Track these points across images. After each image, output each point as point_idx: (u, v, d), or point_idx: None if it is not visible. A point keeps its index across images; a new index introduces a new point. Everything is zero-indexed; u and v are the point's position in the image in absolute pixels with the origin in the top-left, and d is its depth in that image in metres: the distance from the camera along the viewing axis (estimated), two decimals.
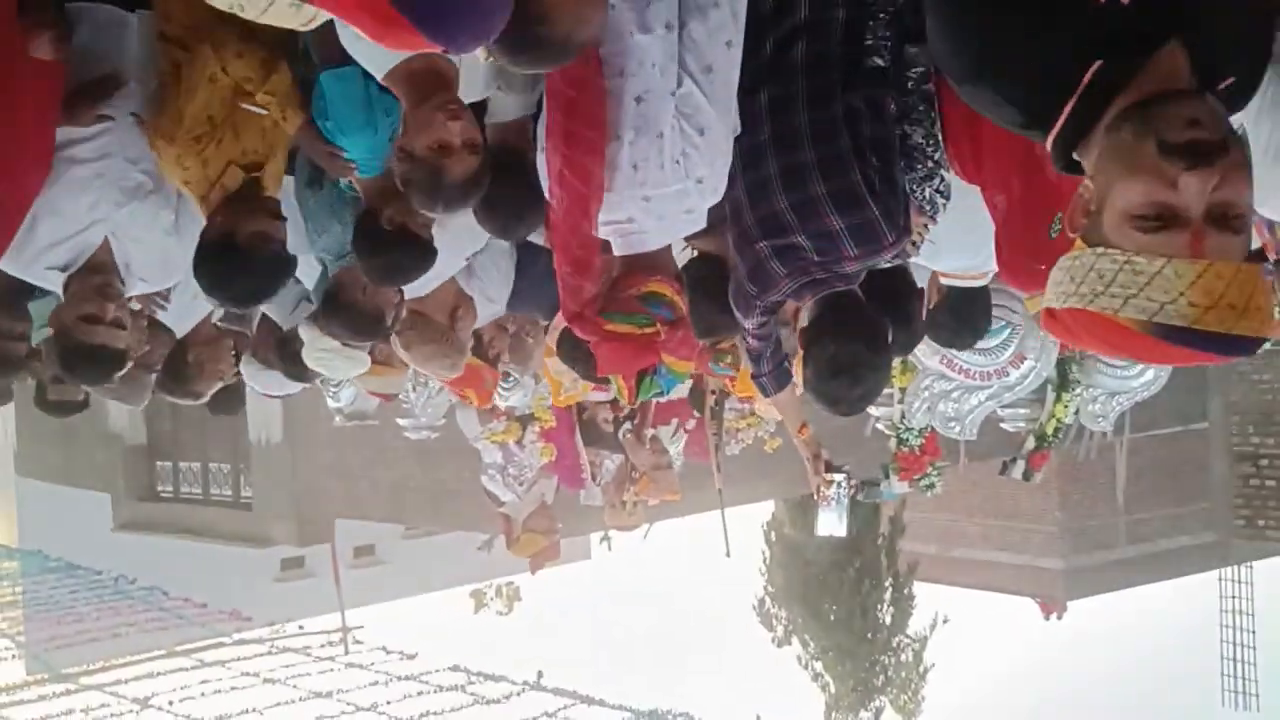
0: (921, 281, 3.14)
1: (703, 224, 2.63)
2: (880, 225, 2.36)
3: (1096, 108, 1.37)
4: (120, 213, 2.78)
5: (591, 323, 2.80)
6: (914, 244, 2.62)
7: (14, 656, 10.39)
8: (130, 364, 2.94)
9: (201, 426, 15.60)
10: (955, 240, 2.77)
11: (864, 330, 2.50)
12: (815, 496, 4.39)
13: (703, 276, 2.83)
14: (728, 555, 7.25)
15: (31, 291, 3.34)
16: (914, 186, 2.53)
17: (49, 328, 3.03)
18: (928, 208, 2.56)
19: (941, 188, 2.56)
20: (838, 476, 4.39)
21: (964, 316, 3.21)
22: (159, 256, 2.92)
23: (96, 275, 2.77)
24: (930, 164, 2.52)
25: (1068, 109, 1.39)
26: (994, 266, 2.88)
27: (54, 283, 2.81)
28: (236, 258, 2.69)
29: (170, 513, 17.12)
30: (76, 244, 2.74)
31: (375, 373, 4.29)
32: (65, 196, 2.70)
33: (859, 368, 2.48)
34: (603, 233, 2.61)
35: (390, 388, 5.67)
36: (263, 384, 4.44)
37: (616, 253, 2.72)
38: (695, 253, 3.00)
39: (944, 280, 3.07)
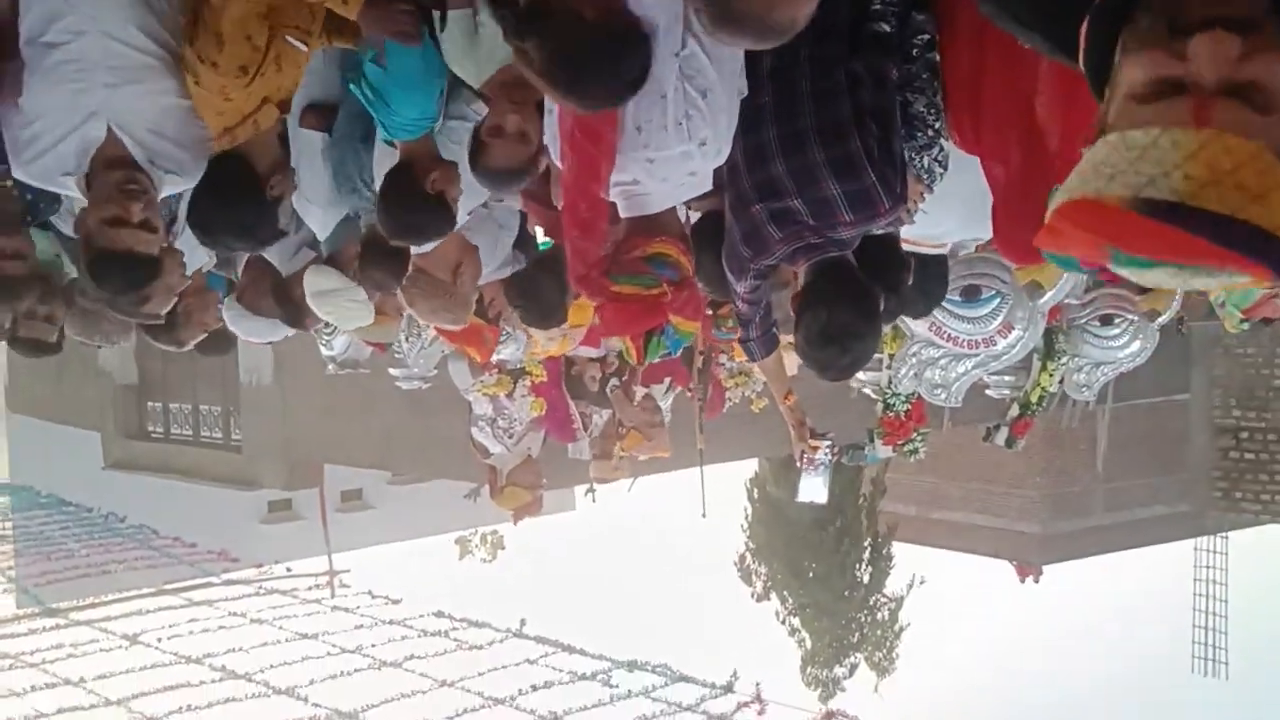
0: None
1: (707, 186, 2.62)
2: (877, 192, 2.37)
3: (1113, 23, 1.21)
4: (116, 96, 2.44)
5: (598, 284, 2.83)
6: (908, 212, 2.64)
7: (4, 591, 10.49)
8: (163, 275, 2.69)
9: (192, 368, 15.62)
10: (950, 210, 2.80)
11: (856, 298, 2.53)
12: (798, 463, 4.45)
13: (711, 234, 2.86)
14: (704, 516, 7.36)
15: (32, 216, 3.35)
16: (913, 155, 2.55)
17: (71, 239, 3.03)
18: (925, 176, 2.59)
19: (940, 157, 2.58)
20: (822, 443, 4.44)
21: (919, 284, 3.23)
22: (178, 137, 2.58)
23: (114, 171, 2.47)
24: (930, 133, 2.54)
25: (1084, 25, 1.25)
26: (985, 236, 2.94)
27: (74, 189, 2.54)
28: (257, 197, 2.67)
29: (160, 452, 17.18)
30: (78, 141, 2.45)
31: (373, 322, 4.34)
32: (45, 89, 2.42)
33: (850, 336, 2.51)
34: (608, 195, 2.63)
35: (385, 336, 5.70)
36: (245, 330, 4.40)
37: (622, 214, 2.73)
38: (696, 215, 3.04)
39: (904, 247, 3.11)
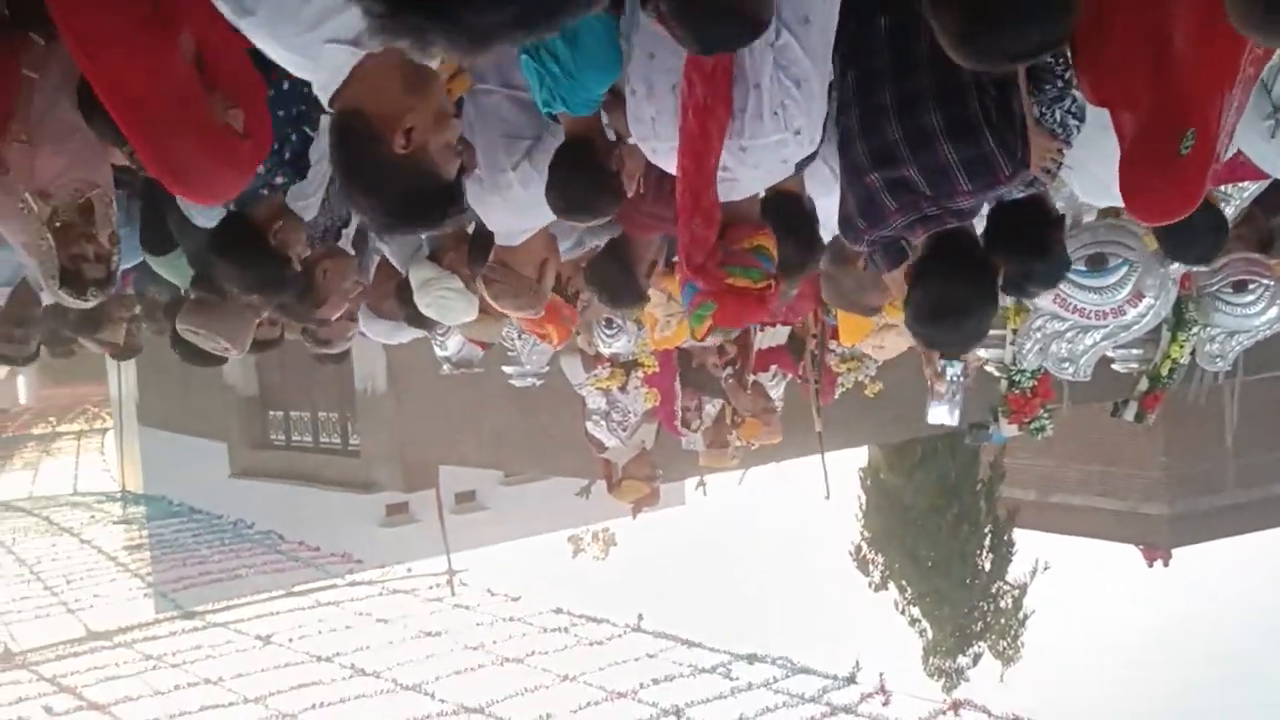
0: None
1: (791, 170, 2.58)
2: (996, 158, 2.27)
3: None
4: None
5: (715, 275, 2.81)
6: (1047, 171, 2.51)
7: (144, 595, 10.92)
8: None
9: (310, 377, 16.08)
10: (1095, 168, 2.67)
11: (971, 274, 2.47)
12: (929, 386, 4.31)
13: (787, 216, 2.81)
14: (827, 497, 7.27)
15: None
16: (1043, 109, 2.45)
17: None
18: (1060, 131, 2.47)
19: (1074, 109, 2.46)
20: (952, 367, 4.27)
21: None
22: None
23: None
24: (1060, 84, 2.42)
25: None
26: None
27: (337, 65, 2.08)
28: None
29: (282, 460, 17.74)
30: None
31: (476, 320, 4.38)
32: None
33: (961, 313, 2.46)
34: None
35: (489, 335, 5.77)
36: (375, 332, 4.55)
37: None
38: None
39: None
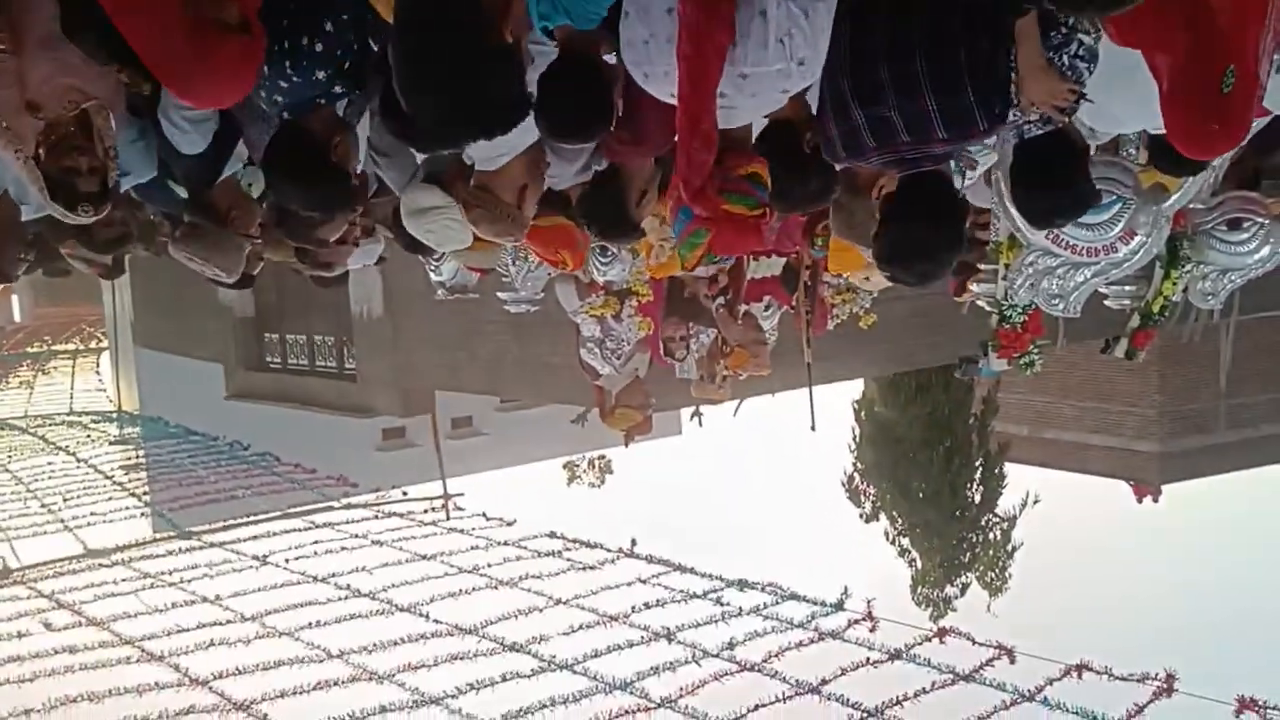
0: None
1: (783, 103, 2.59)
2: (975, 112, 2.31)
3: None
4: None
5: (712, 201, 2.81)
6: (1060, 110, 2.53)
7: (141, 515, 11.01)
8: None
9: (306, 300, 16.07)
10: (1114, 107, 2.70)
11: (939, 217, 2.55)
12: None
13: (785, 150, 2.80)
14: (813, 429, 7.33)
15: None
16: (1049, 54, 2.45)
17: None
18: (1069, 74, 2.47)
19: (1081, 52, 2.45)
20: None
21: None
22: None
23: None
24: (1064, 30, 2.42)
25: None
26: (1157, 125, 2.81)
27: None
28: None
29: (278, 383, 17.80)
30: None
31: (474, 246, 4.36)
32: None
33: (925, 255, 2.57)
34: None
35: (487, 261, 5.78)
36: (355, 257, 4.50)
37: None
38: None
39: None
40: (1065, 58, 2.46)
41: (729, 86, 2.48)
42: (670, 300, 5.98)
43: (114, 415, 17.36)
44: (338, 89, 2.73)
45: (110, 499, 11.28)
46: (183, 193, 3.53)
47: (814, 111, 2.74)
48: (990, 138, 2.45)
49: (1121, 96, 2.66)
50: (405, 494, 11.63)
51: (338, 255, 4.00)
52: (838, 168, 2.84)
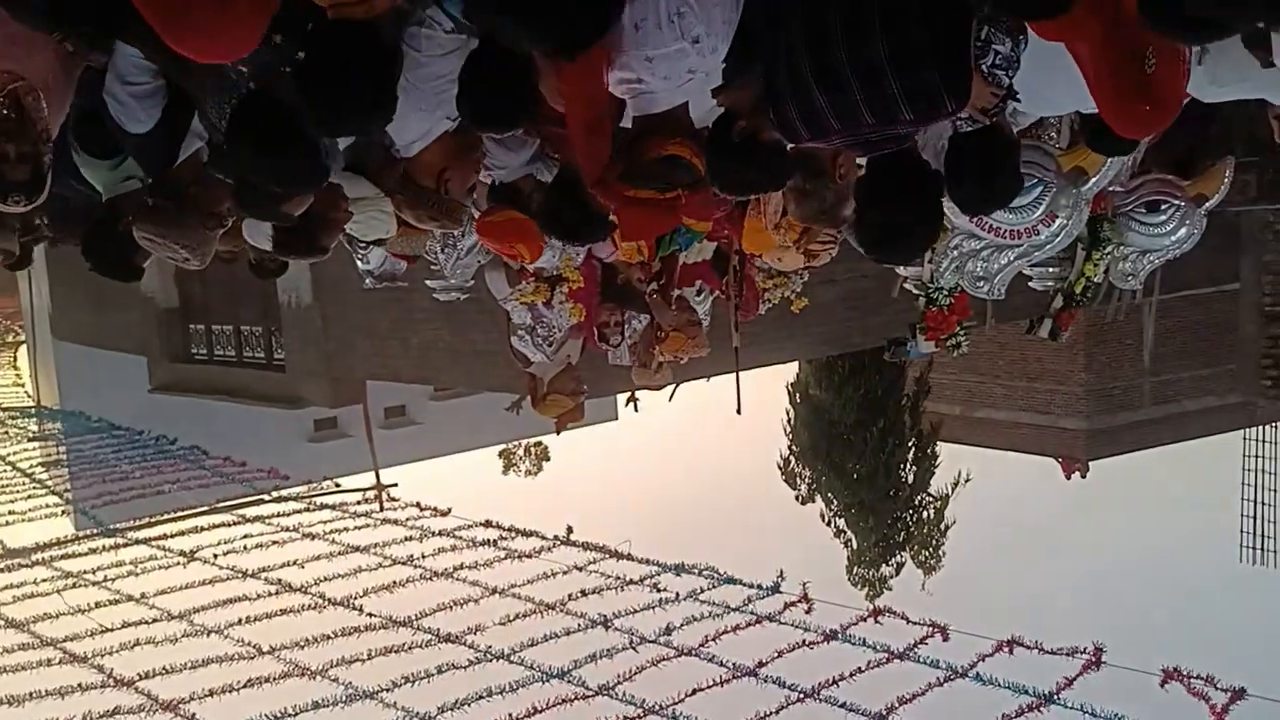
0: None
1: (715, 82, 2.60)
2: (940, 92, 2.30)
3: None
4: None
5: (614, 189, 2.81)
6: (984, 111, 2.56)
7: (63, 513, 10.74)
8: None
9: (232, 290, 15.77)
10: (1045, 91, 2.72)
11: (917, 197, 2.62)
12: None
13: (713, 139, 2.79)
14: (739, 412, 7.36)
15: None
16: (977, 60, 2.45)
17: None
18: (990, 79, 2.50)
19: (999, 61, 2.48)
20: None
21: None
22: None
23: None
24: (978, 43, 2.43)
25: None
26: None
27: None
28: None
29: (205, 374, 17.46)
30: None
31: (399, 233, 4.26)
32: None
33: (907, 235, 2.68)
34: (617, 93, 2.62)
35: (412, 248, 5.69)
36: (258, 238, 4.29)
37: (632, 113, 2.71)
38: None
39: None
40: (984, 67, 2.48)
41: (642, 70, 2.51)
42: (604, 287, 5.95)
43: (33, 410, 16.89)
44: (301, 55, 2.57)
45: (30, 497, 10.99)
46: (97, 177, 3.38)
47: (758, 102, 2.73)
48: (956, 115, 2.44)
49: (1053, 79, 2.68)
50: (338, 485, 11.49)
51: (330, 234, 3.76)
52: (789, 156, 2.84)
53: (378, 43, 2.39)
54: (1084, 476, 22.94)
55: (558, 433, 6.74)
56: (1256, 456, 18.76)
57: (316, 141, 2.70)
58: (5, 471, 12.06)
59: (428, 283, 6.75)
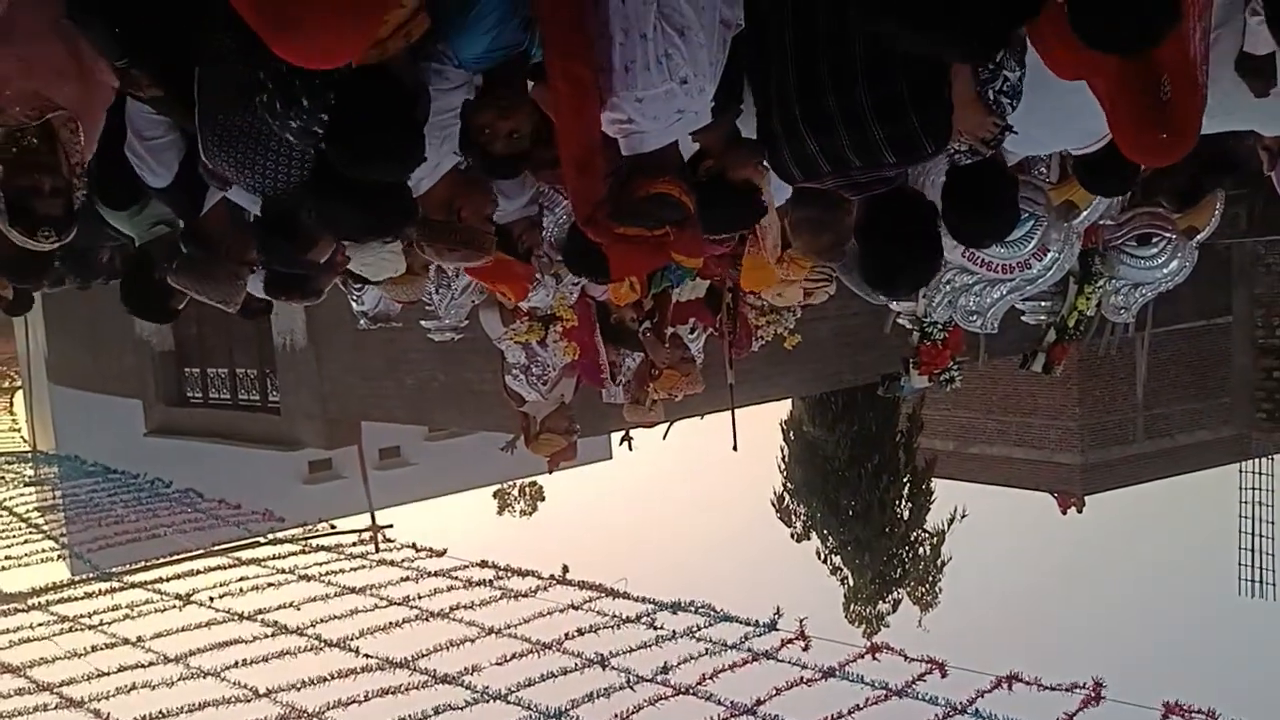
0: None
1: (703, 121, 2.67)
2: (920, 137, 2.36)
3: None
4: None
5: (603, 226, 2.85)
6: (985, 142, 2.61)
7: (59, 557, 10.69)
8: None
9: (227, 332, 15.78)
10: (1035, 130, 2.75)
11: (914, 236, 2.68)
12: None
13: (708, 179, 2.86)
14: (735, 449, 7.37)
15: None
16: (978, 88, 2.51)
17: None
18: (994, 108, 2.55)
19: (1005, 88, 2.52)
20: None
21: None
22: None
23: None
24: (991, 66, 2.48)
25: None
26: (1076, 145, 3.00)
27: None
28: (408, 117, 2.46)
29: (200, 417, 17.42)
30: None
31: (399, 279, 4.31)
32: None
33: (907, 273, 2.78)
34: (609, 132, 2.68)
35: (412, 294, 5.73)
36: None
37: (624, 153, 2.76)
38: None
39: None
40: (991, 93, 2.53)
41: (632, 111, 2.57)
42: (601, 326, 5.98)
43: (29, 455, 16.83)
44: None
45: (26, 541, 10.92)
46: (129, 227, 3.40)
47: (729, 142, 2.79)
48: (936, 158, 2.52)
49: (1042, 120, 2.74)
50: (333, 527, 11.44)
51: (327, 280, 3.74)
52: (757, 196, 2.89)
53: (398, 86, 2.45)
54: (1080, 511, 22.92)
55: (550, 471, 6.74)
56: (1253, 489, 18.75)
57: (405, 185, 2.74)
58: (1, 517, 12.00)
59: (422, 323, 6.78)
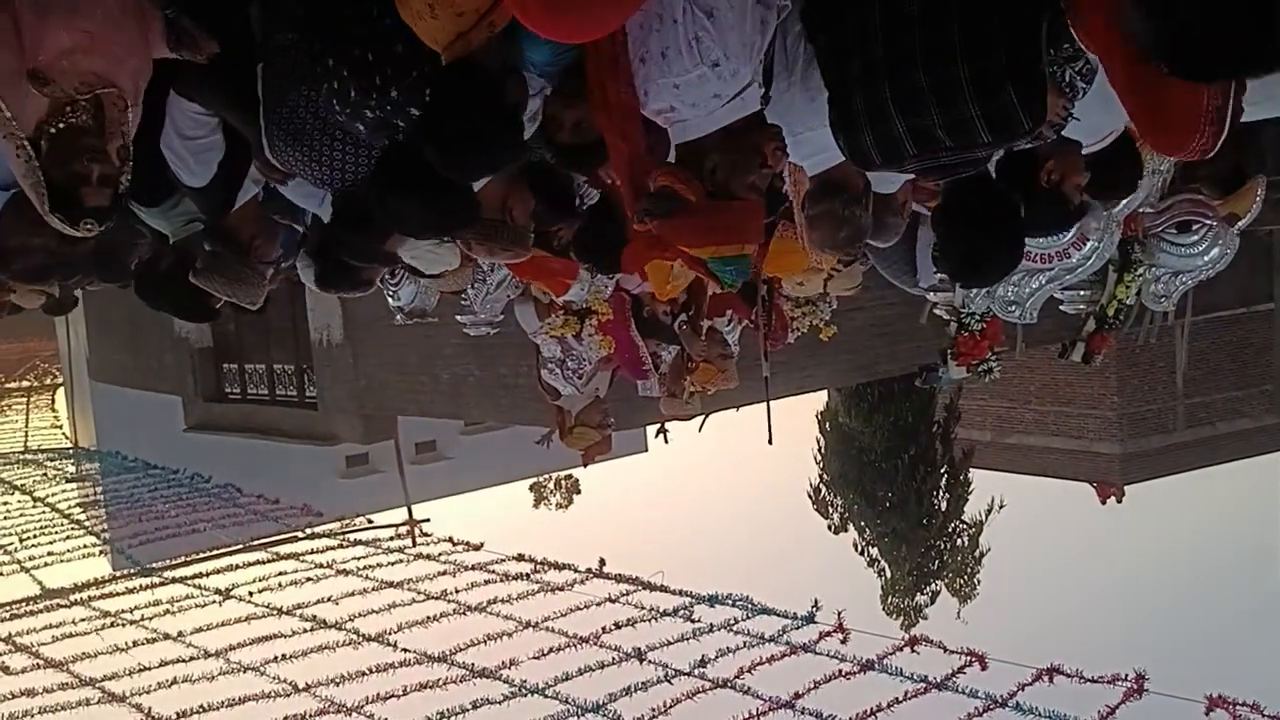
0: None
1: (749, 109, 2.59)
2: (1019, 113, 2.23)
3: None
4: None
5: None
6: (1053, 126, 2.49)
7: (100, 553, 10.83)
8: None
9: (265, 329, 15.92)
10: (1090, 117, 2.67)
11: (998, 222, 2.66)
12: None
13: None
14: (770, 442, 7.33)
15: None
16: (1054, 68, 2.41)
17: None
18: (1067, 90, 2.46)
19: (1084, 70, 2.44)
20: None
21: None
22: None
23: None
24: (1075, 45, 2.39)
25: None
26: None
27: None
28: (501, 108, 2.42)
29: (238, 413, 17.61)
30: None
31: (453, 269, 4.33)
32: None
33: (993, 261, 2.73)
34: (658, 122, 2.64)
35: (457, 284, 5.78)
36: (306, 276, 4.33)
37: (673, 142, 2.72)
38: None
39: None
40: (1068, 73, 2.45)
41: (671, 98, 2.54)
42: (637, 320, 5.97)
43: (71, 452, 17.09)
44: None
45: (68, 538, 11.08)
46: (161, 224, 3.42)
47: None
48: (1031, 138, 2.36)
49: (1094, 112, 2.68)
50: (370, 521, 11.51)
51: (376, 271, 3.70)
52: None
53: (488, 78, 2.41)
54: (1119, 501, 22.71)
55: (585, 465, 6.74)
56: None
57: (470, 184, 2.73)
58: (45, 513, 12.18)
59: (458, 318, 6.80)
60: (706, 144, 2.67)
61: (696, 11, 2.36)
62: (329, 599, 9.01)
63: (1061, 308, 5.58)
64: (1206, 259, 5.04)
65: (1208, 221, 4.94)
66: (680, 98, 2.52)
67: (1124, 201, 4.48)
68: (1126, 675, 6.54)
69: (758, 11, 2.41)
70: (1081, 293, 5.43)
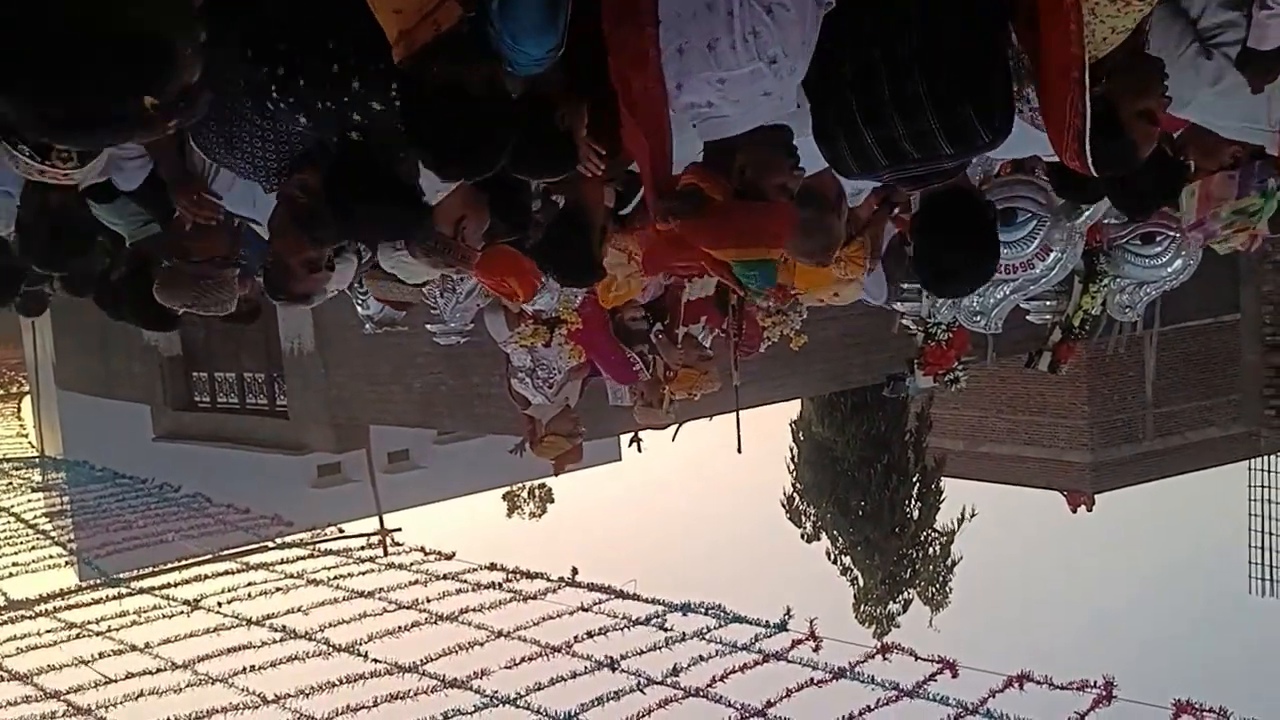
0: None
1: (790, 108, 2.50)
2: (976, 126, 2.26)
3: None
4: None
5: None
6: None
7: (66, 563, 10.69)
8: None
9: (235, 337, 15.82)
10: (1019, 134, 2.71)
11: (970, 233, 2.65)
12: None
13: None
14: (739, 451, 7.36)
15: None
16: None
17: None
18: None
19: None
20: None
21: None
22: None
23: None
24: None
25: None
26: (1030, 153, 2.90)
27: None
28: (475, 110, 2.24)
29: (208, 422, 17.47)
30: None
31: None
32: None
33: (967, 272, 2.73)
34: (684, 117, 2.53)
35: (404, 295, 5.72)
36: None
37: (700, 139, 2.62)
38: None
39: None
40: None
41: (713, 94, 2.44)
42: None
43: (37, 461, 16.86)
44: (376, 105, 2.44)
45: (34, 548, 10.94)
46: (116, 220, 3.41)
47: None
48: (994, 149, 2.40)
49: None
50: (342, 531, 11.43)
51: (315, 283, 3.63)
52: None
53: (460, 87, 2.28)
54: (1090, 509, 22.87)
55: (556, 474, 6.73)
56: (1263, 486, 18.71)
57: (421, 191, 2.65)
58: (9, 523, 12.02)
59: (428, 327, 6.78)
60: (737, 141, 2.57)
61: (754, 5, 2.28)
62: (299, 609, 8.92)
63: (1028, 317, 5.64)
64: (1170, 270, 5.11)
65: (1170, 233, 5.00)
66: (724, 93, 2.42)
67: (1087, 213, 4.54)
68: (1096, 682, 6.58)
69: (814, 9, 2.34)
70: (1048, 303, 5.49)
